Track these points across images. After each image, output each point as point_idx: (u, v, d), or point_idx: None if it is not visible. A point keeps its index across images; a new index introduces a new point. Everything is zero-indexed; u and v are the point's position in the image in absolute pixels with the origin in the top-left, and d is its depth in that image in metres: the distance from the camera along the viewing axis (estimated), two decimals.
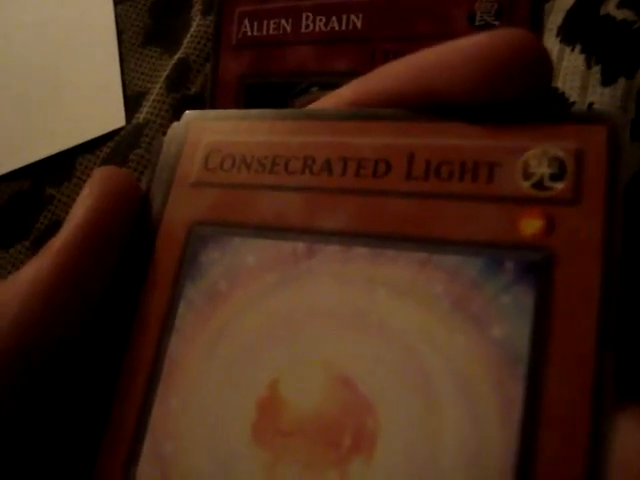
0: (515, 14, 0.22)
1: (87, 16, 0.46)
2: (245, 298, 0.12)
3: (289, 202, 0.13)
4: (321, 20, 0.25)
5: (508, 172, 0.11)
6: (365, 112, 0.13)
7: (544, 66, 0.12)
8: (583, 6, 0.29)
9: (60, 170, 0.41)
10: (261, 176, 0.13)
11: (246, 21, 0.26)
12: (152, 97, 0.39)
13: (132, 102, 0.41)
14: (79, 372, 0.13)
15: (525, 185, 0.11)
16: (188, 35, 0.40)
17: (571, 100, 0.28)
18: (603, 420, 0.09)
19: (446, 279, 0.11)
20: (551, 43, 0.30)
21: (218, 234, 0.13)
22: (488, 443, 0.10)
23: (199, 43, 0.39)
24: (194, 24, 0.40)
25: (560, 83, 0.28)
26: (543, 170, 0.11)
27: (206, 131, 0.14)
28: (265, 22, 0.25)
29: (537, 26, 0.22)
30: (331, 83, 0.22)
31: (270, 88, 0.25)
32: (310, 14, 0.25)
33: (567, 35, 0.30)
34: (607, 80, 0.27)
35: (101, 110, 0.42)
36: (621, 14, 0.28)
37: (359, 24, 0.24)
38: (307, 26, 0.25)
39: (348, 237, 0.12)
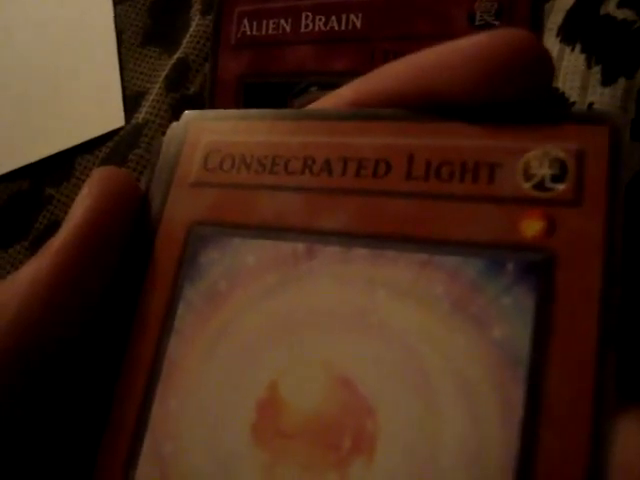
0: (515, 14, 0.22)
1: (86, 16, 0.46)
2: (245, 299, 0.12)
3: (289, 202, 0.12)
4: (320, 20, 0.24)
5: (509, 173, 0.11)
6: (365, 112, 0.13)
7: (544, 66, 0.12)
8: (583, 6, 0.29)
9: (59, 170, 0.41)
10: (261, 176, 0.13)
11: (245, 21, 0.26)
12: (151, 97, 0.39)
13: (131, 102, 0.41)
14: (78, 372, 0.13)
15: (526, 186, 0.11)
16: (187, 35, 0.40)
17: (571, 100, 0.28)
18: (604, 421, 0.09)
19: (446, 280, 0.11)
20: (551, 43, 0.30)
21: (218, 234, 0.13)
22: (488, 444, 0.10)
23: (198, 43, 0.39)
24: (193, 24, 0.40)
25: (560, 83, 0.28)
26: (544, 171, 0.11)
27: (205, 131, 0.14)
28: (264, 22, 0.25)
29: (537, 26, 0.22)
30: (331, 83, 0.22)
31: (269, 88, 0.25)
32: (309, 14, 0.25)
33: (567, 35, 0.29)
34: (607, 80, 0.27)
35: (100, 110, 0.42)
36: (621, 14, 0.28)
37: (359, 24, 0.24)
38: (306, 26, 0.25)
39: (348, 238, 0.12)
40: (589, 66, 0.28)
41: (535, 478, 0.09)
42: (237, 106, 0.25)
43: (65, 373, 0.13)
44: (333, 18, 0.24)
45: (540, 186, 0.11)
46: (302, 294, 0.12)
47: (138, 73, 0.42)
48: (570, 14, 0.30)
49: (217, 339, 0.12)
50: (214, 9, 0.26)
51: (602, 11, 0.29)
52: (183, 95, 0.39)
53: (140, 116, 0.39)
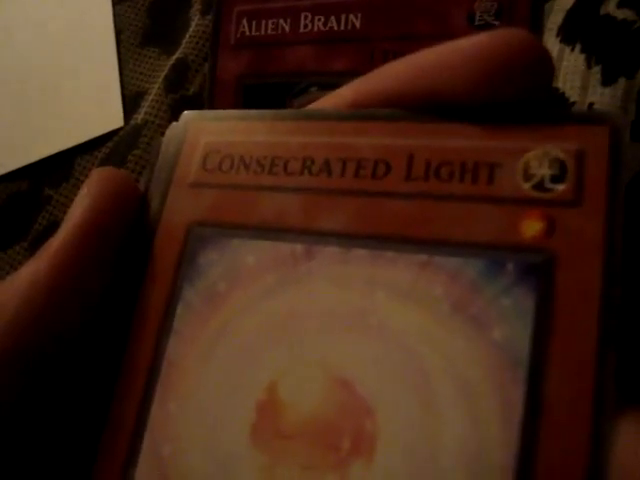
0: (515, 14, 0.22)
1: (86, 16, 0.46)
2: (244, 299, 0.12)
3: (288, 203, 0.12)
4: (320, 20, 0.24)
5: (509, 173, 0.11)
6: (365, 112, 0.13)
7: (545, 66, 0.12)
8: (583, 6, 0.29)
9: (58, 171, 0.41)
10: (260, 177, 0.13)
11: (244, 21, 0.26)
12: (150, 97, 0.39)
13: (130, 102, 0.41)
14: (78, 372, 0.13)
15: (526, 186, 0.11)
16: (187, 35, 0.40)
17: (571, 100, 0.28)
18: (604, 422, 0.09)
19: (446, 281, 0.11)
20: (551, 43, 0.30)
21: (217, 235, 0.13)
22: (488, 445, 0.10)
23: (198, 43, 0.39)
24: (193, 24, 0.40)
25: (560, 83, 0.28)
26: (544, 171, 0.11)
27: (204, 131, 0.14)
28: (264, 22, 0.25)
29: (537, 26, 0.22)
30: (330, 83, 0.22)
31: (269, 88, 0.25)
32: (309, 14, 0.25)
33: (567, 35, 0.29)
34: (607, 80, 0.27)
35: (99, 110, 0.42)
36: (621, 14, 0.28)
37: (358, 24, 0.24)
38: (306, 26, 0.25)
39: (347, 238, 0.12)
40: (589, 66, 0.28)
41: (535, 479, 0.09)
42: (236, 106, 0.25)
43: (64, 373, 0.13)
44: (332, 18, 0.24)
45: (540, 186, 0.11)
46: (301, 295, 0.12)
47: (137, 73, 0.42)
48: (570, 14, 0.30)
49: (216, 340, 0.12)
50: (213, 9, 0.26)
51: (602, 11, 0.29)
52: (182, 96, 0.39)
53: (139, 117, 0.39)
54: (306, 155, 0.13)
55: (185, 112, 0.15)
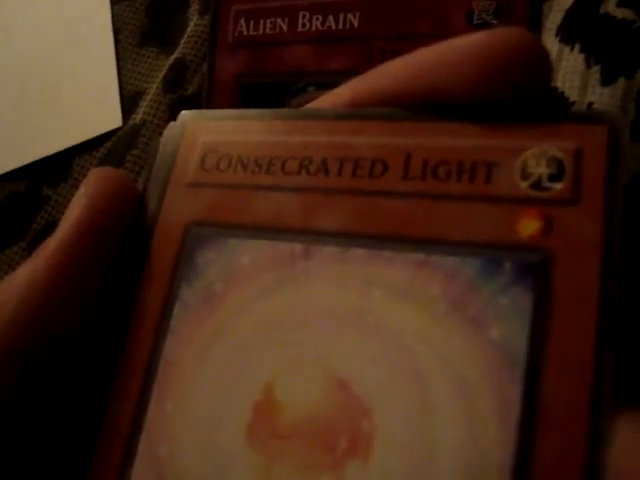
0: (513, 13, 0.22)
1: (84, 16, 0.46)
2: (241, 299, 0.12)
3: (286, 203, 0.12)
4: (318, 19, 0.24)
5: (506, 172, 0.11)
6: (362, 112, 0.13)
7: (543, 65, 0.12)
8: (582, 5, 0.29)
9: (57, 171, 0.41)
10: (258, 176, 0.13)
11: (242, 20, 0.26)
12: (149, 97, 0.39)
13: (129, 102, 0.41)
14: (75, 372, 0.13)
15: (523, 185, 0.11)
16: (185, 35, 0.40)
17: (571, 100, 0.28)
18: (601, 421, 0.09)
19: (443, 280, 0.11)
20: (550, 43, 0.30)
21: (214, 235, 0.13)
22: (485, 445, 0.10)
23: (196, 43, 0.39)
24: (191, 24, 0.40)
25: (559, 83, 0.28)
26: (541, 170, 0.11)
27: (202, 131, 0.14)
28: (261, 21, 0.25)
29: (535, 25, 0.22)
30: (328, 82, 0.21)
31: (267, 88, 0.25)
32: (307, 13, 0.25)
33: (566, 34, 0.29)
34: (607, 80, 0.27)
35: (98, 110, 0.42)
36: (621, 13, 0.28)
37: (356, 23, 0.24)
38: (304, 25, 0.25)
39: (345, 238, 0.12)
40: (588, 66, 0.28)
41: (532, 478, 0.09)
42: (234, 106, 0.25)
43: (62, 373, 0.13)
44: (330, 17, 0.24)
45: (537, 185, 0.11)
46: (298, 294, 0.12)
47: (136, 73, 0.42)
48: (569, 13, 0.30)
49: (213, 339, 0.12)
50: (211, 8, 0.26)
51: (601, 10, 0.29)
52: (181, 95, 0.39)
53: (138, 116, 0.39)
54: (304, 154, 0.13)
55: (183, 112, 0.15)
